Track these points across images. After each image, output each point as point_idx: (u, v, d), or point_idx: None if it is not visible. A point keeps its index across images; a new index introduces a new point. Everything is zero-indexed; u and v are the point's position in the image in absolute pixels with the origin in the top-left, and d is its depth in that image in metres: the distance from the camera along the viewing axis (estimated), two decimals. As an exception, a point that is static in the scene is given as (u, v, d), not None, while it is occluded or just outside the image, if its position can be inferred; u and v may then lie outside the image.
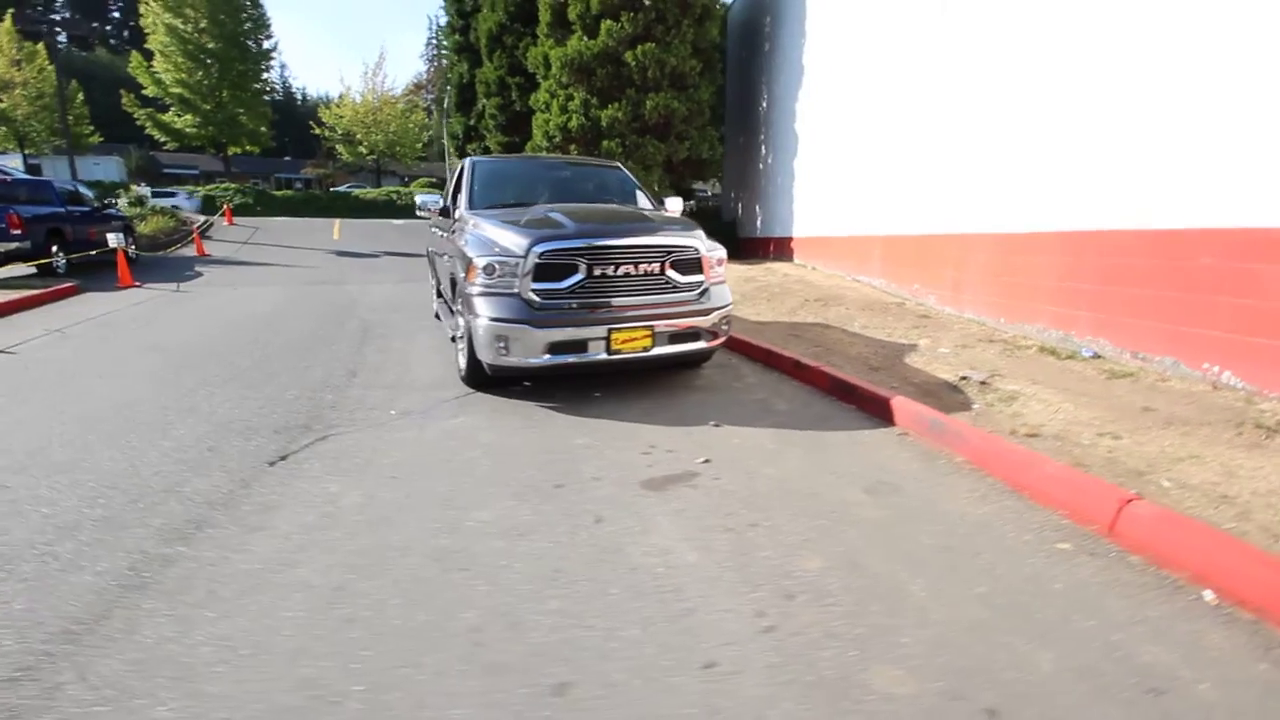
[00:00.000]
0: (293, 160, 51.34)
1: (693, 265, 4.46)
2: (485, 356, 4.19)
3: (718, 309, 4.52)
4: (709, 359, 5.16)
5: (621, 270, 4.23)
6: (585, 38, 12.79)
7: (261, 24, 34.82)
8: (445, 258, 5.58)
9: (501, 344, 4.08)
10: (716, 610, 2.04)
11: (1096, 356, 4.73)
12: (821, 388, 4.60)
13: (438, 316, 7.19)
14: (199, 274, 11.60)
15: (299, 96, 70.98)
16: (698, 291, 4.52)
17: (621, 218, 4.70)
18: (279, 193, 39.23)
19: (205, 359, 5.35)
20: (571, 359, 4.15)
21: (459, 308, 4.66)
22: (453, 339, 5.00)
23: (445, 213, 5.27)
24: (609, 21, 12.34)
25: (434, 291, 7.39)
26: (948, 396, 4.17)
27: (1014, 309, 5.76)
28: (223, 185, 28.20)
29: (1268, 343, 3.57)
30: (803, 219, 11.75)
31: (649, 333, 4.27)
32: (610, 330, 4.15)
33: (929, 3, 7.27)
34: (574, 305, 4.17)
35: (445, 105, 21.91)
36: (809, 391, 4.61)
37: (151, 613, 2.00)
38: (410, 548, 2.41)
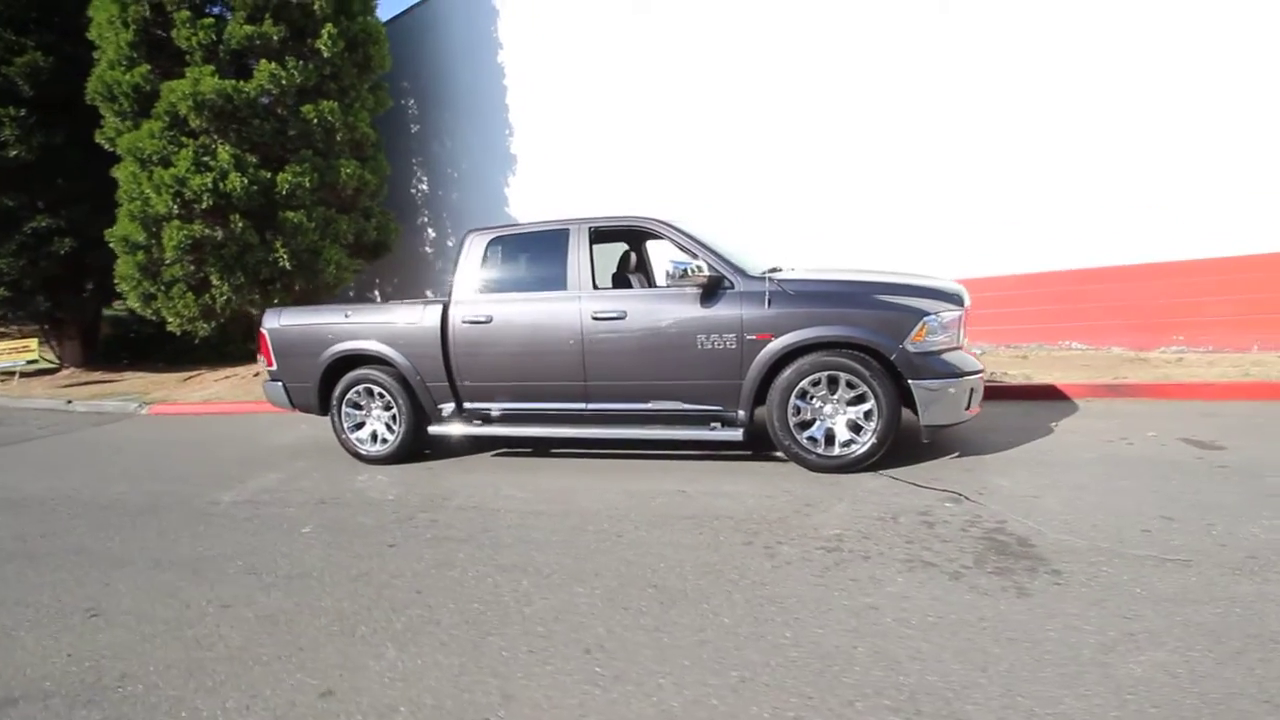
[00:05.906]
0: None
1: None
2: (943, 417, 3.96)
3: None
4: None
5: (958, 317, 4.70)
6: (220, 76, 9.36)
7: None
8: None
9: (970, 396, 3.99)
10: None
11: (983, 353, 7.76)
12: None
13: (369, 460, 5.20)
14: None
15: None
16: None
17: None
18: None
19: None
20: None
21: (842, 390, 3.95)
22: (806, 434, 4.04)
23: (717, 283, 4.13)
24: (270, 64, 9.48)
25: (393, 419, 4.93)
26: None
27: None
28: None
29: (1096, 324, 7.17)
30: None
31: (978, 374, 4.85)
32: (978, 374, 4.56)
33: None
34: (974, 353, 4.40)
35: None
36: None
37: None
38: None
